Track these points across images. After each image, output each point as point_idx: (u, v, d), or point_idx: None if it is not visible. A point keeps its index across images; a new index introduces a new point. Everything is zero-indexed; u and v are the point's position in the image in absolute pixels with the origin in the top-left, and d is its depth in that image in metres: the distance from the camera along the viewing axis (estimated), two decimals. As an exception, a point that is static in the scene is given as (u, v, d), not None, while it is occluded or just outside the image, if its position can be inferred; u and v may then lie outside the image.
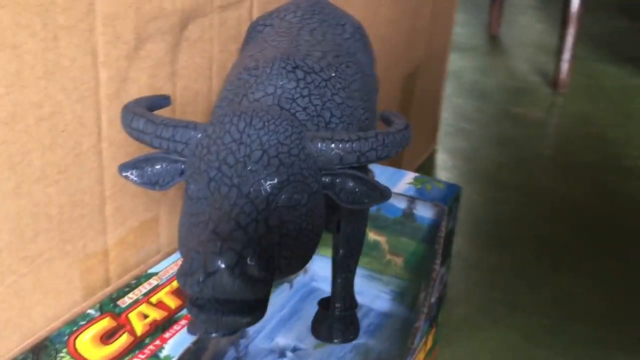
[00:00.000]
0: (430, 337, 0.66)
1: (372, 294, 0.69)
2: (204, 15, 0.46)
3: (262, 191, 0.28)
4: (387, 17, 0.75)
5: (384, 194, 0.31)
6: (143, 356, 0.40)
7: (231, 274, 0.25)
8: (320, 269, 0.72)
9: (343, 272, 0.42)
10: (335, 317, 0.43)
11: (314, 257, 0.66)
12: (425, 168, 1.06)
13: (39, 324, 0.41)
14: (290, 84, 0.36)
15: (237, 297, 0.25)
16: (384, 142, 0.31)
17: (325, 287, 0.70)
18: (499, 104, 1.33)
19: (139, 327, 0.42)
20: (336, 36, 0.44)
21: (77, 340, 0.41)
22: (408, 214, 0.65)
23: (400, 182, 0.65)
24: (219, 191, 0.28)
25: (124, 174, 0.32)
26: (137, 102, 0.33)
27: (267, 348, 0.63)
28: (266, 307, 0.28)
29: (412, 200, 0.63)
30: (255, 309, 0.27)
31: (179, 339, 0.42)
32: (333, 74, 0.39)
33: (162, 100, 0.35)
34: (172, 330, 0.43)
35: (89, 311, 0.43)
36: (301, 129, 0.31)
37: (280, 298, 0.67)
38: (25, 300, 0.39)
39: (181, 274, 0.26)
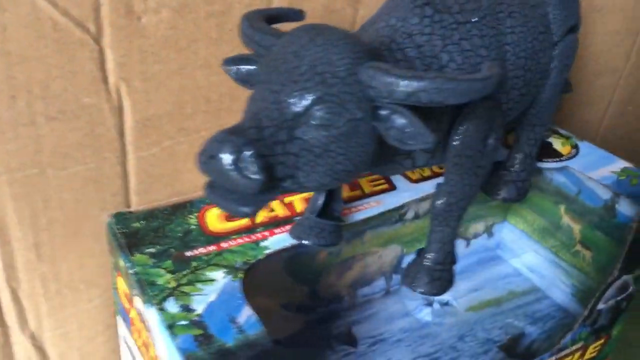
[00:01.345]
0: (594, 348, 0.59)
1: (551, 281, 0.64)
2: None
3: (295, 102, 0.30)
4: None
5: (429, 138, 0.30)
6: (247, 239, 0.45)
7: (226, 163, 0.28)
8: (510, 241, 0.69)
9: (440, 224, 0.41)
10: (424, 267, 0.42)
11: (506, 225, 0.64)
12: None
13: (186, 189, 0.49)
14: (413, 19, 0.36)
15: (230, 186, 0.28)
16: (441, 86, 0.30)
17: (511, 260, 0.67)
18: None
19: (261, 216, 0.48)
20: None
21: (208, 212, 0.48)
22: (609, 207, 0.59)
23: (604, 167, 0.58)
24: (262, 95, 0.31)
25: (224, 67, 0.36)
26: (259, 11, 0.37)
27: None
28: (261, 206, 0.30)
29: (617, 193, 0.56)
30: (251, 204, 0.30)
31: (283, 238, 0.46)
32: (475, 19, 0.38)
33: (293, 14, 0.38)
34: (284, 229, 0.47)
35: (233, 192, 0.50)
36: (362, 56, 0.31)
37: (452, 252, 0.67)
38: (178, 164, 0.47)
39: (197, 152, 0.29)
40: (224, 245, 0.45)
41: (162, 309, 0.39)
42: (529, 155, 0.51)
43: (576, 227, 0.62)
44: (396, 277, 0.64)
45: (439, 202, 0.40)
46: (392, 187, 0.53)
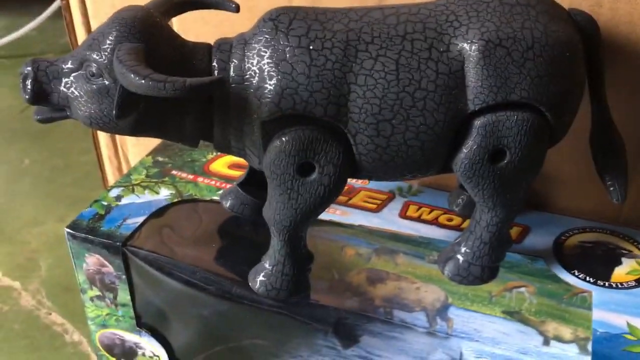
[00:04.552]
0: None
1: None
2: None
3: (75, 56, 0.39)
4: None
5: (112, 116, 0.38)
6: (218, 184, 0.55)
7: (20, 77, 0.40)
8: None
9: (270, 231, 0.42)
10: (261, 266, 0.44)
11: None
12: None
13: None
14: (256, 30, 0.39)
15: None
16: (128, 80, 0.35)
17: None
18: None
19: (252, 178, 0.55)
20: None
21: (224, 157, 0.58)
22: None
23: (627, 315, 0.45)
24: None
25: None
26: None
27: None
28: (49, 119, 0.41)
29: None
30: (42, 114, 0.41)
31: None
32: (312, 47, 0.38)
33: (225, 5, 0.44)
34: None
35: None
36: (128, 37, 0.37)
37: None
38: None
39: None
40: (199, 179, 0.55)
41: (108, 190, 0.54)
42: (481, 239, 0.44)
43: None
44: (442, 323, 0.61)
45: (263, 209, 0.42)
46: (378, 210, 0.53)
